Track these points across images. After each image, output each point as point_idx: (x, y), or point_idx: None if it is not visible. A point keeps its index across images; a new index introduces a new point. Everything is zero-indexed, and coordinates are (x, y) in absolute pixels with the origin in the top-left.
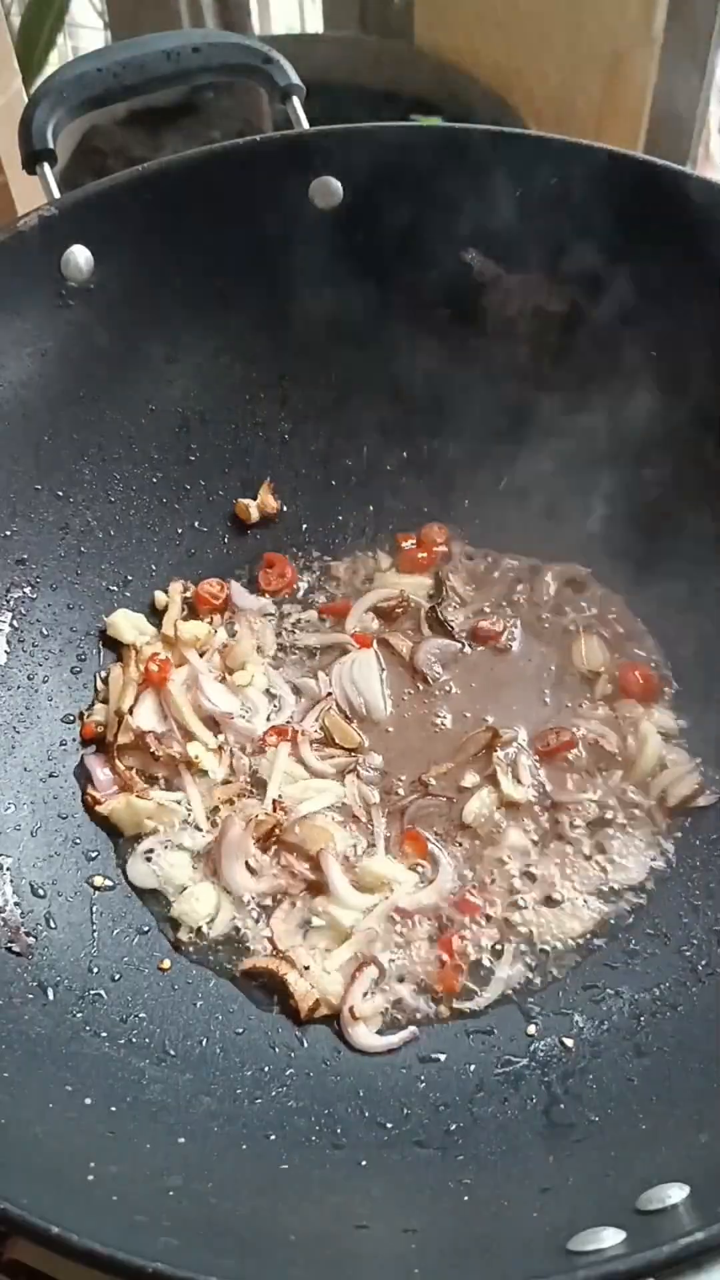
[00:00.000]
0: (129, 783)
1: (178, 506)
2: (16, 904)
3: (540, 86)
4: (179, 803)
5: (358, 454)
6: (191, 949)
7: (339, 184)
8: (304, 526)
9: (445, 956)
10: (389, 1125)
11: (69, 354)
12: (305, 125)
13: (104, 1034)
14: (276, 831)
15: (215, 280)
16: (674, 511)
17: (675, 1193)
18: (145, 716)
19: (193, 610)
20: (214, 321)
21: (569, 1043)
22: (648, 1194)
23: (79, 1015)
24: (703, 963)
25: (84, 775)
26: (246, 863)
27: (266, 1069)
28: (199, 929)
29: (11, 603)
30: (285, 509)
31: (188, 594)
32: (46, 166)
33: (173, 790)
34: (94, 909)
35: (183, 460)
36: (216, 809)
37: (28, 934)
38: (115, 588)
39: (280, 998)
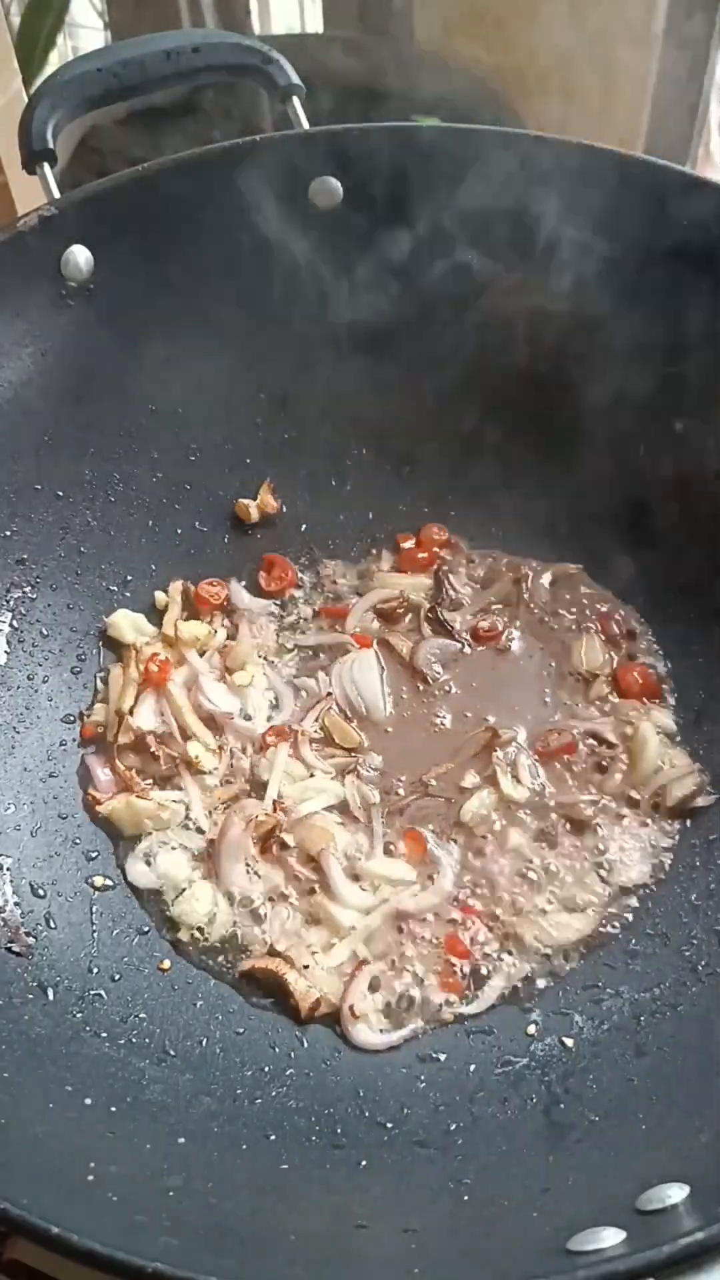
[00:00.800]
0: (129, 783)
1: (178, 506)
2: (16, 904)
3: (540, 86)
4: (179, 803)
5: (358, 454)
6: (191, 949)
7: (339, 184)
8: (304, 526)
9: (451, 958)
10: (389, 1125)
11: (69, 354)
12: (305, 125)
13: (104, 1034)
14: (276, 831)
15: (215, 281)
16: (673, 511)
17: (675, 1193)
18: (145, 716)
19: (193, 610)
20: (214, 322)
21: (569, 1043)
22: (648, 1194)
23: (79, 1015)
24: (703, 963)
25: (84, 775)
26: (246, 863)
27: (266, 1069)
28: (198, 929)
29: (11, 603)
30: (285, 509)
31: (188, 594)
32: (46, 166)
33: (173, 790)
34: (94, 909)
35: (183, 460)
36: (216, 809)
37: (28, 934)
38: (115, 588)
39: (280, 998)
